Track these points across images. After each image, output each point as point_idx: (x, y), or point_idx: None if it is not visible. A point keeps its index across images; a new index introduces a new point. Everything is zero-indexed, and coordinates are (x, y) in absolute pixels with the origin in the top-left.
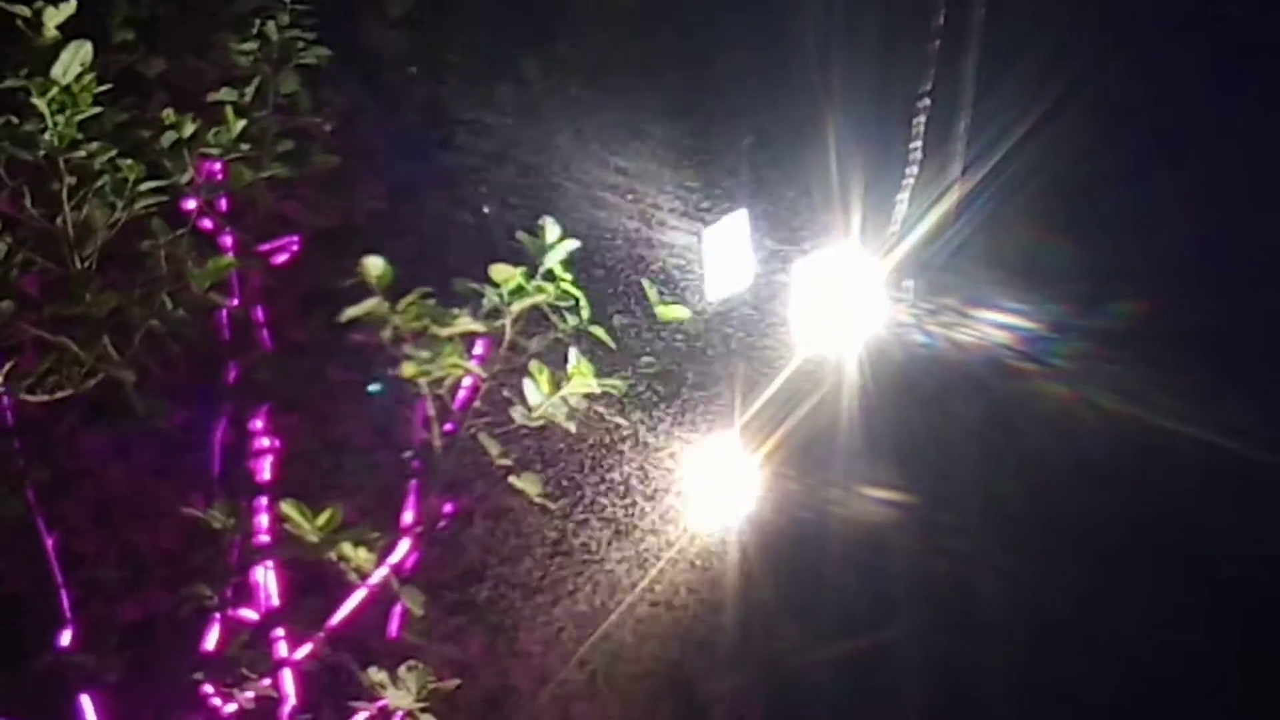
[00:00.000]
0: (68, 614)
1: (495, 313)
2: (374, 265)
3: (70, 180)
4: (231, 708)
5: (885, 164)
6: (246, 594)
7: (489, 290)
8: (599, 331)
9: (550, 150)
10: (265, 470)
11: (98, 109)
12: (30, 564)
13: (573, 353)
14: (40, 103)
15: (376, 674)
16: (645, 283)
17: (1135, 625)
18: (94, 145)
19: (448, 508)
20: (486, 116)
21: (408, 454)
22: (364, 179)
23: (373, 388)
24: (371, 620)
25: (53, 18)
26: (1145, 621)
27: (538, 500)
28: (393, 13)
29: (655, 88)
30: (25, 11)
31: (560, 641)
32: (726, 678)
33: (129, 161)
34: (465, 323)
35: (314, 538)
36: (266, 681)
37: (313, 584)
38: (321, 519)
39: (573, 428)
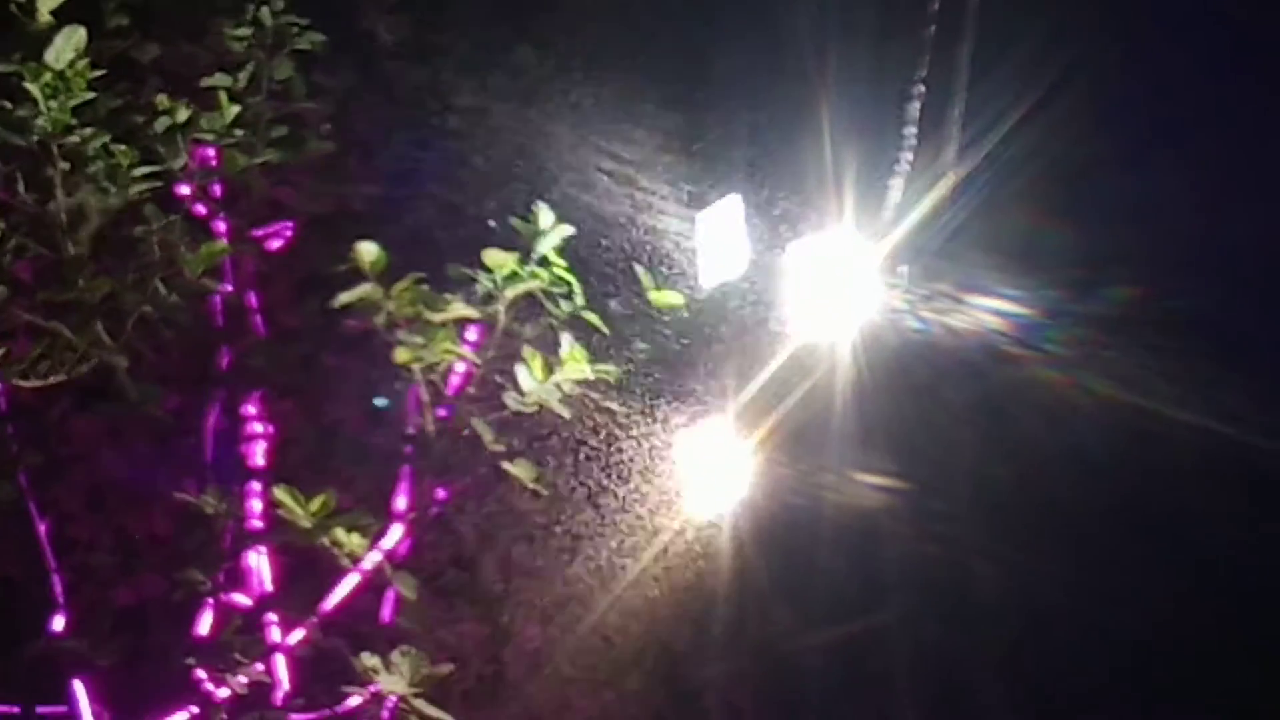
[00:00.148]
0: (61, 599)
1: (489, 298)
2: (368, 251)
3: (64, 166)
4: (224, 693)
5: (880, 149)
6: (239, 579)
7: (482, 276)
8: (592, 317)
9: (544, 136)
10: (258, 456)
11: (91, 94)
12: (23, 549)
13: (566, 338)
14: (34, 88)
15: (370, 659)
16: (639, 268)
17: (1127, 610)
18: (88, 131)
19: (441, 493)
20: (481, 103)
21: (408, 430)
22: (358, 165)
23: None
24: (365, 605)
25: (46, 3)
26: (1137, 606)
27: (531, 486)
28: None
29: (650, 74)
30: None
31: (553, 626)
32: (720, 662)
33: (123, 147)
34: (459, 308)
35: (307, 523)
36: (259, 667)
37: (306, 569)
38: (315, 504)
39: (566, 413)
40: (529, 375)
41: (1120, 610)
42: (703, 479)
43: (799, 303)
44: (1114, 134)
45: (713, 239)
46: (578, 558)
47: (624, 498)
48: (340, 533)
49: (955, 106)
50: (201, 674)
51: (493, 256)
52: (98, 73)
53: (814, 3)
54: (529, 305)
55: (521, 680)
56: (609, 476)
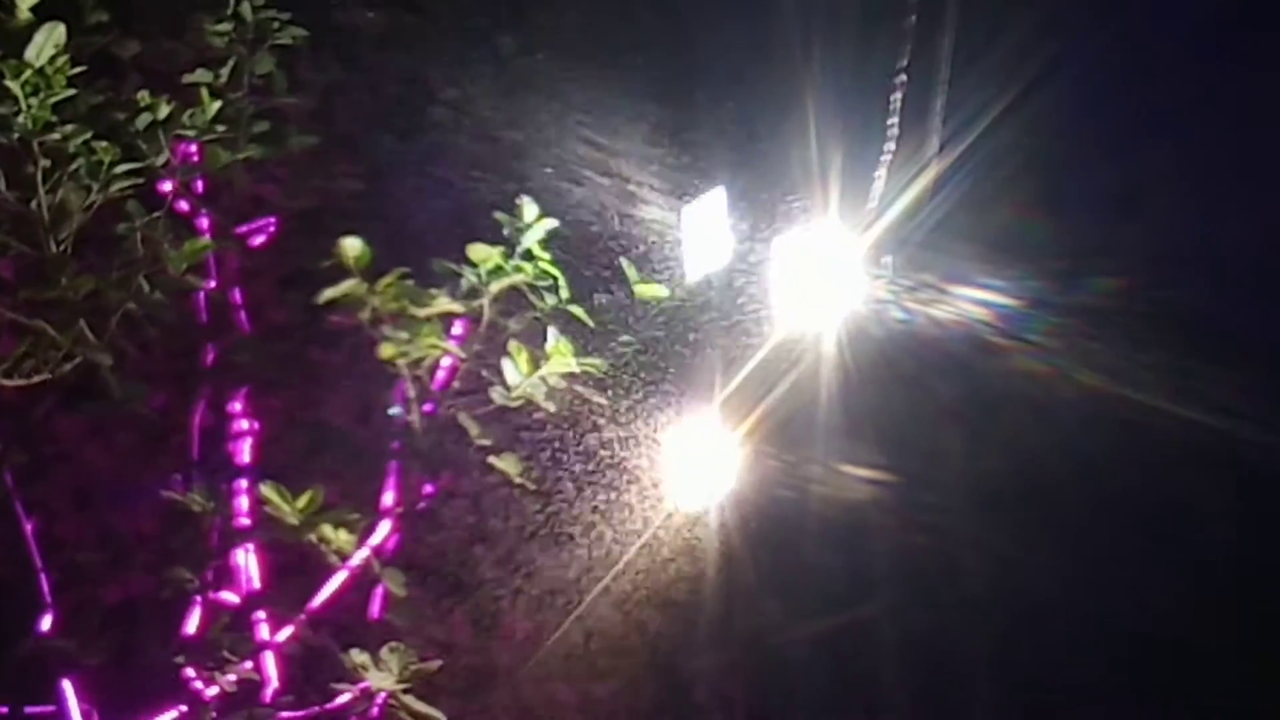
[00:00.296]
0: (48, 598)
1: (474, 293)
2: (352, 246)
3: (45, 163)
4: (213, 691)
5: (863, 140)
6: (227, 577)
7: (467, 270)
8: (578, 311)
9: (528, 129)
10: (245, 453)
11: (72, 91)
12: (9, 548)
13: (551, 332)
14: (14, 85)
15: (359, 655)
16: (624, 261)
17: (1115, 602)
18: (69, 128)
19: (428, 488)
20: (464, 96)
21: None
22: (341, 160)
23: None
24: (353, 602)
25: (25, 0)
26: (1126, 598)
27: (518, 480)
28: None
29: (633, 66)
30: None
31: (542, 620)
32: (708, 655)
33: (104, 144)
34: (443, 303)
35: (294, 520)
36: (248, 664)
37: (294, 566)
38: (302, 501)
39: (552, 407)
40: (515, 369)
41: (1110, 602)
42: (689, 471)
43: (783, 294)
44: (1098, 125)
45: (697, 231)
46: (565, 551)
47: (611, 490)
48: (328, 529)
49: (938, 97)
50: (190, 672)
51: (477, 250)
52: (78, 69)
53: None
54: (514, 299)
55: (510, 673)
56: (596, 470)
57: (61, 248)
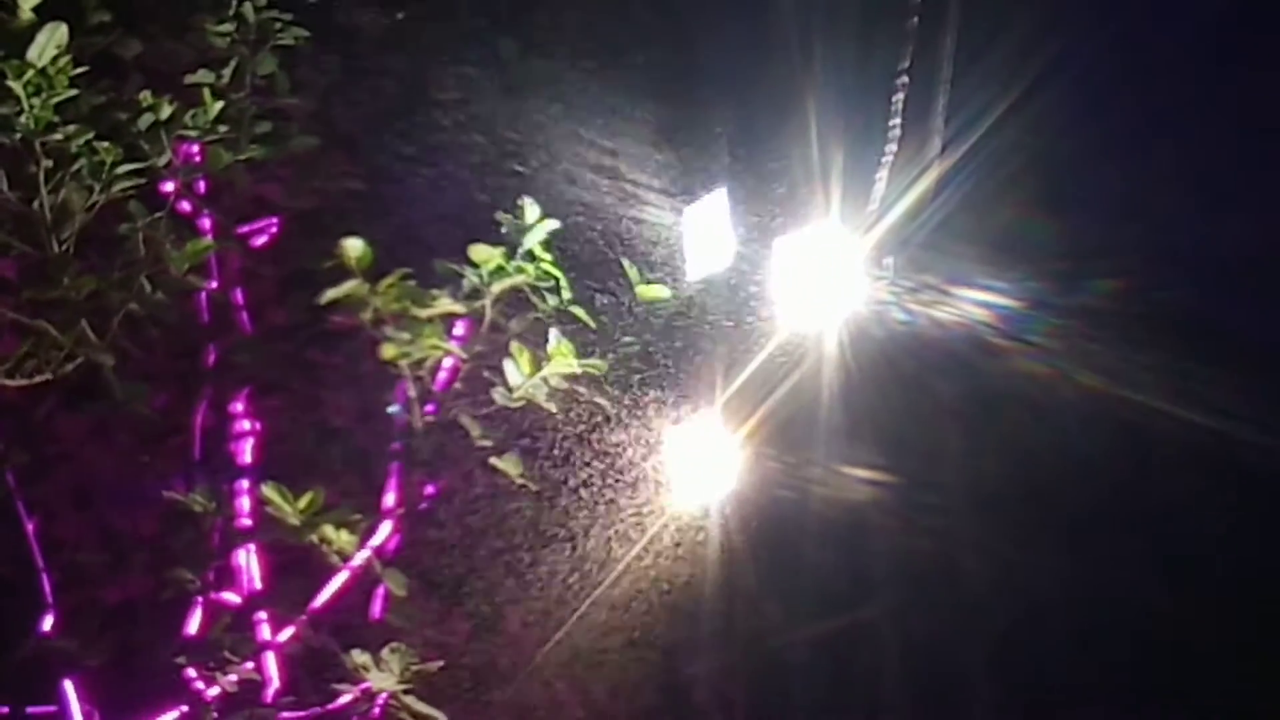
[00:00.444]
0: (49, 598)
1: (475, 294)
2: (353, 247)
3: (47, 163)
4: (214, 691)
5: (864, 141)
6: (228, 577)
7: (469, 271)
8: (579, 312)
9: (529, 130)
10: (246, 453)
11: (74, 91)
12: (11, 548)
13: (553, 333)
14: (16, 85)
15: (360, 656)
16: (625, 263)
17: (1115, 602)
18: (71, 128)
19: (429, 489)
20: (465, 97)
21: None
22: (343, 160)
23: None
24: (354, 602)
25: (28, 0)
26: (1126, 598)
27: (519, 481)
28: None
29: (634, 67)
30: None
31: (543, 621)
32: (709, 656)
33: (106, 144)
34: (445, 304)
35: (295, 520)
36: (249, 665)
37: (295, 567)
38: (303, 502)
39: (554, 408)
40: (516, 370)
41: (1110, 603)
42: (690, 472)
43: (785, 295)
44: (1100, 125)
45: (698, 232)
46: (566, 552)
47: (612, 491)
48: (329, 530)
49: (940, 98)
50: (191, 672)
51: (479, 251)
52: (80, 70)
53: None
54: (516, 300)
55: (511, 674)
56: (597, 471)
57: (63, 248)
